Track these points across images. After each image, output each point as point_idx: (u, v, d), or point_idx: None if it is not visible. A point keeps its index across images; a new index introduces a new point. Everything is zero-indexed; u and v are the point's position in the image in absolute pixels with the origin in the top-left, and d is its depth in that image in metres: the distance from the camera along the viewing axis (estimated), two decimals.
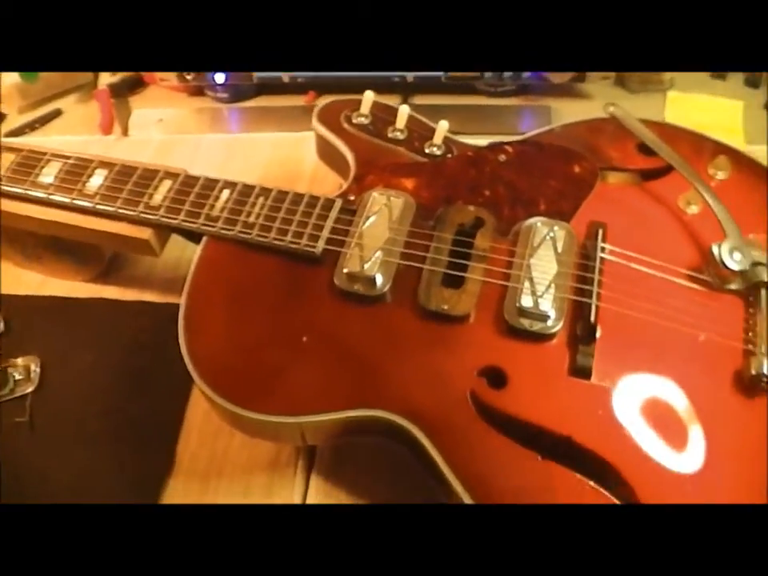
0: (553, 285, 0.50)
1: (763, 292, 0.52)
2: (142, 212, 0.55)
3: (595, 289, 0.50)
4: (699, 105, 0.95)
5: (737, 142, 0.70)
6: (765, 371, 0.48)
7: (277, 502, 0.53)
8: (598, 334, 0.49)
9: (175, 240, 0.57)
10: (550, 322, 0.49)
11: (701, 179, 0.55)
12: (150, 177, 0.56)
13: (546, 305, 0.49)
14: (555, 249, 0.52)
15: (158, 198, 0.55)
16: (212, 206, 0.54)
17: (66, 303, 0.62)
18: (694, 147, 0.60)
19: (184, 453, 0.55)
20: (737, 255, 0.52)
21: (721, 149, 0.60)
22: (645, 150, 0.59)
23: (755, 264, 0.52)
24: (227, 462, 0.55)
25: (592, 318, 0.49)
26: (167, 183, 0.56)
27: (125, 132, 0.84)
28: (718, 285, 0.52)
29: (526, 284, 0.50)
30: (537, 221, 0.53)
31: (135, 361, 0.60)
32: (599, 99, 0.94)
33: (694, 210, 0.56)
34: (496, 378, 0.48)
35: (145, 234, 0.55)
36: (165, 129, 0.83)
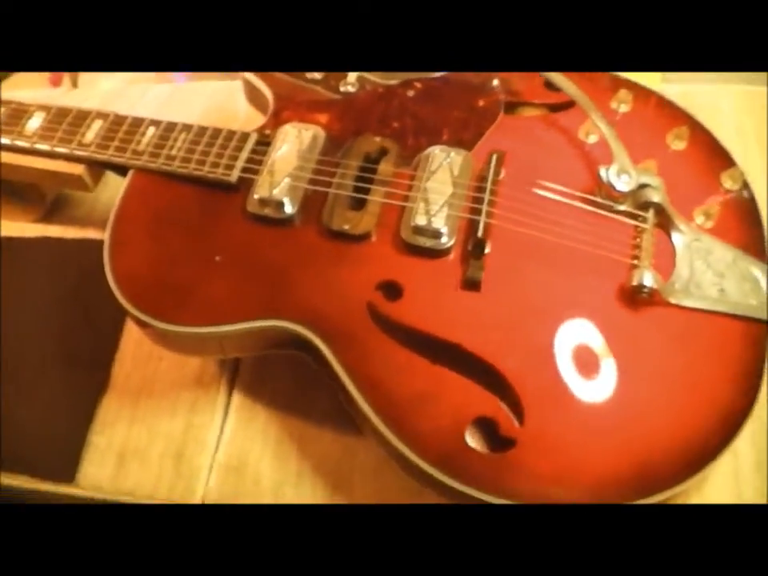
0: (446, 205, 0.54)
1: (651, 211, 0.55)
2: (74, 149, 0.59)
3: (485, 207, 0.54)
4: None
5: (652, 79, 0.73)
6: (644, 282, 0.51)
7: (200, 417, 0.58)
8: (487, 250, 0.53)
9: (115, 182, 0.61)
10: (443, 239, 0.53)
11: (596, 109, 0.58)
12: (83, 117, 0.60)
13: (439, 223, 0.53)
14: (451, 172, 0.55)
15: (89, 136, 0.59)
16: (138, 142, 0.58)
17: (12, 242, 0.67)
18: (600, 83, 0.63)
19: (119, 374, 0.60)
20: (624, 177, 0.55)
21: (624, 84, 0.63)
22: (552, 85, 0.63)
23: (643, 186, 0.56)
24: (157, 382, 0.59)
25: (479, 233, 0.52)
26: (98, 122, 0.60)
27: (74, 84, 0.88)
28: (609, 206, 0.56)
29: (421, 204, 0.54)
30: (435, 148, 0.57)
31: (78, 293, 0.64)
32: None
33: (593, 139, 0.60)
34: (392, 290, 0.52)
35: (78, 169, 0.59)
36: (112, 81, 0.87)
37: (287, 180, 0.55)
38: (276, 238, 0.55)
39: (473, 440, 0.49)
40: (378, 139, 0.58)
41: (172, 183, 0.57)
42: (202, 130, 0.59)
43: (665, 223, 0.56)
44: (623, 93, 0.61)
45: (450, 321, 0.51)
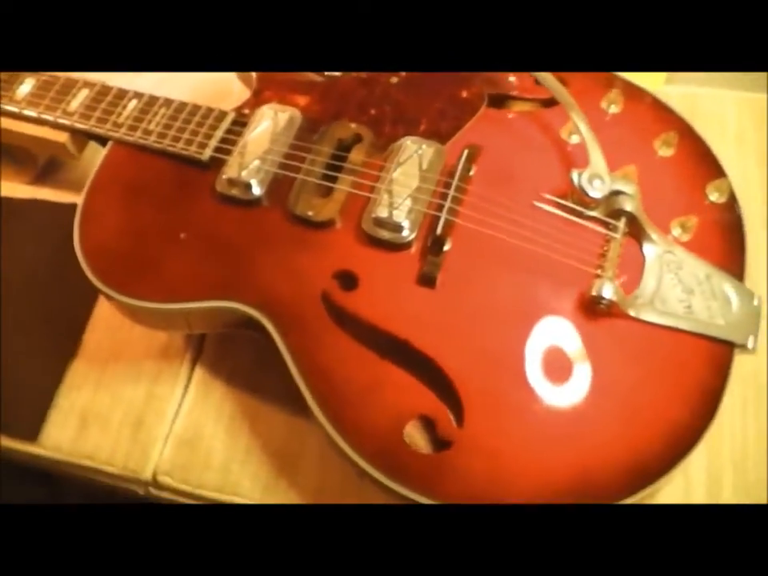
0: (410, 198, 0.53)
1: (623, 219, 0.54)
2: (59, 117, 0.60)
3: (448, 204, 0.53)
4: None
5: (655, 80, 0.70)
6: (603, 293, 0.50)
7: (162, 389, 0.59)
8: (447, 247, 0.52)
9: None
10: (403, 233, 0.53)
11: (578, 108, 0.56)
12: (70, 85, 0.61)
13: (401, 216, 0.52)
14: (420, 165, 0.55)
15: (74, 105, 0.60)
16: (119, 114, 0.59)
17: (3, 202, 0.69)
18: (594, 81, 0.61)
19: (90, 339, 0.62)
20: (597, 182, 0.54)
21: (618, 84, 0.61)
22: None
23: (617, 192, 0.54)
24: (125, 350, 0.61)
25: (438, 230, 0.52)
26: (84, 92, 0.61)
27: None
28: (580, 211, 0.54)
29: (385, 196, 0.53)
30: (407, 139, 0.56)
31: (61, 257, 0.66)
32: None
33: (575, 139, 0.58)
34: (348, 280, 0.52)
35: (62, 137, 0.60)
36: None
37: (257, 162, 0.55)
38: (242, 218, 0.55)
39: (416, 438, 0.49)
40: (353, 126, 0.57)
41: (148, 157, 0.58)
42: (182, 105, 0.59)
43: (637, 233, 0.54)
44: (614, 93, 0.59)
45: (402, 316, 0.51)
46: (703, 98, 0.68)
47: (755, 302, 0.54)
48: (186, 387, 0.59)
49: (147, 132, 0.58)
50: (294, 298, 0.52)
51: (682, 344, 0.51)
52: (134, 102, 0.59)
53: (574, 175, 0.53)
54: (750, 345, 0.52)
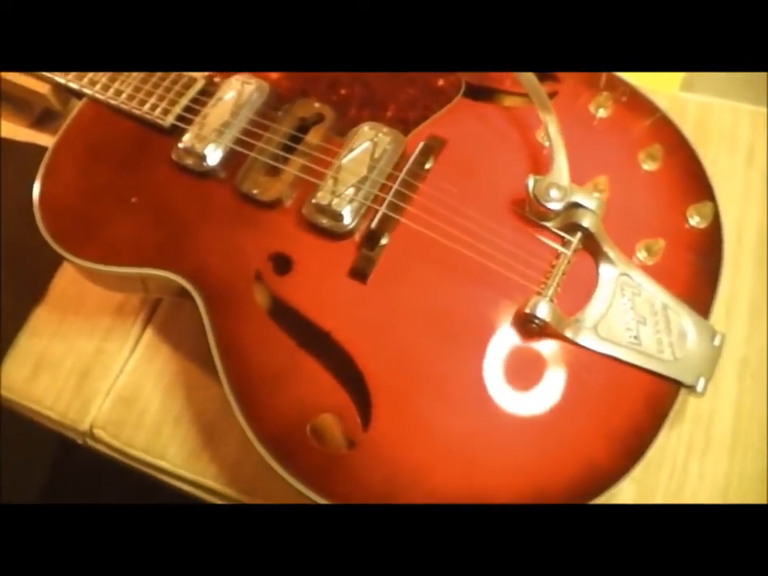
0: (353, 187, 0.51)
1: (578, 235, 0.50)
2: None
3: (389, 198, 0.51)
4: None
5: (670, 85, 0.64)
6: (537, 312, 0.47)
7: (111, 345, 0.61)
8: (384, 241, 0.51)
9: None
10: (344, 221, 0.51)
11: (550, 110, 0.52)
12: None
13: (341, 205, 0.51)
14: (372, 154, 0.52)
15: None
16: (97, 71, 0.60)
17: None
18: (586, 81, 0.57)
19: (56, 286, 0.64)
20: (554, 193, 0.50)
21: (611, 86, 0.56)
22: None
23: (575, 205, 0.50)
24: (85, 302, 0.63)
25: (373, 225, 0.50)
26: None
27: None
28: (535, 221, 0.51)
29: (330, 182, 0.52)
30: (365, 125, 0.54)
31: None
32: None
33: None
34: (282, 264, 0.52)
35: (44, 89, 0.62)
36: None
37: (214, 134, 0.54)
38: (193, 189, 0.55)
39: (329, 431, 0.48)
40: (316, 105, 0.56)
41: (116, 118, 0.58)
42: None
43: (594, 250, 0.50)
44: (604, 96, 0.55)
45: (328, 307, 0.50)
46: (718, 109, 0.62)
47: (715, 342, 0.49)
48: (135, 346, 0.61)
49: (118, 92, 0.58)
50: (228, 274, 0.52)
51: (621, 376, 0.48)
52: None
53: (530, 182, 0.50)
54: (699, 387, 0.48)
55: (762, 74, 0.62)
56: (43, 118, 0.72)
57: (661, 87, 0.63)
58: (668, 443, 0.53)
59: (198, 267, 0.52)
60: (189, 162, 0.55)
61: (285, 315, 0.50)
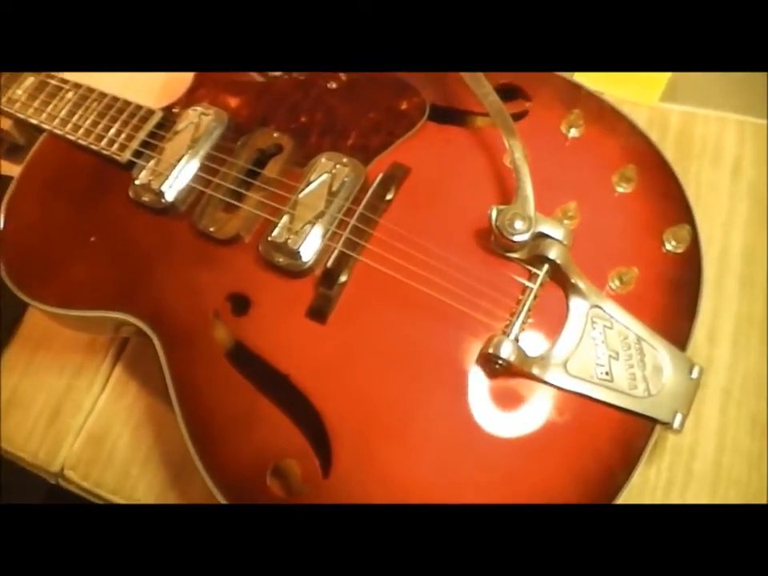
0: (310, 224, 0.49)
1: (545, 267, 0.48)
2: (4, 104, 0.60)
3: (345, 235, 0.49)
4: None
5: (650, 95, 0.61)
6: (500, 353, 0.45)
7: (82, 381, 0.60)
8: (343, 279, 0.49)
9: None
10: (301, 259, 0.49)
11: (515, 136, 0.50)
12: (18, 75, 0.61)
13: (298, 242, 0.49)
14: (330, 187, 0.50)
15: (19, 92, 0.60)
16: (56, 105, 0.58)
17: None
18: (558, 97, 0.54)
19: (28, 322, 0.63)
20: (518, 224, 0.47)
21: (584, 103, 0.53)
22: (504, 95, 0.54)
23: (541, 236, 0.48)
24: (55, 340, 0.62)
25: (329, 264, 0.48)
26: (30, 79, 0.60)
27: None
28: (500, 254, 0.49)
29: (286, 219, 0.50)
30: (323, 155, 0.52)
31: None
32: None
33: None
34: (240, 304, 0.50)
35: (5, 124, 0.61)
36: None
37: (169, 170, 0.53)
38: (151, 226, 0.53)
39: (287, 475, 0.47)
40: (275, 135, 0.54)
41: (75, 153, 0.57)
42: (113, 101, 0.57)
43: (563, 282, 0.48)
44: (575, 115, 0.52)
45: (286, 349, 0.48)
46: (702, 119, 0.59)
47: (693, 374, 0.47)
48: (105, 383, 0.60)
49: (76, 127, 0.57)
50: (185, 315, 0.50)
51: (591, 415, 0.46)
52: (70, 94, 0.58)
53: (493, 213, 0.48)
54: (675, 424, 0.46)
55: (749, 82, 0.58)
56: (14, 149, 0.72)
57: (641, 98, 0.61)
58: (647, 478, 0.51)
59: (157, 308, 0.51)
60: (146, 198, 0.53)
61: (243, 357, 0.49)
